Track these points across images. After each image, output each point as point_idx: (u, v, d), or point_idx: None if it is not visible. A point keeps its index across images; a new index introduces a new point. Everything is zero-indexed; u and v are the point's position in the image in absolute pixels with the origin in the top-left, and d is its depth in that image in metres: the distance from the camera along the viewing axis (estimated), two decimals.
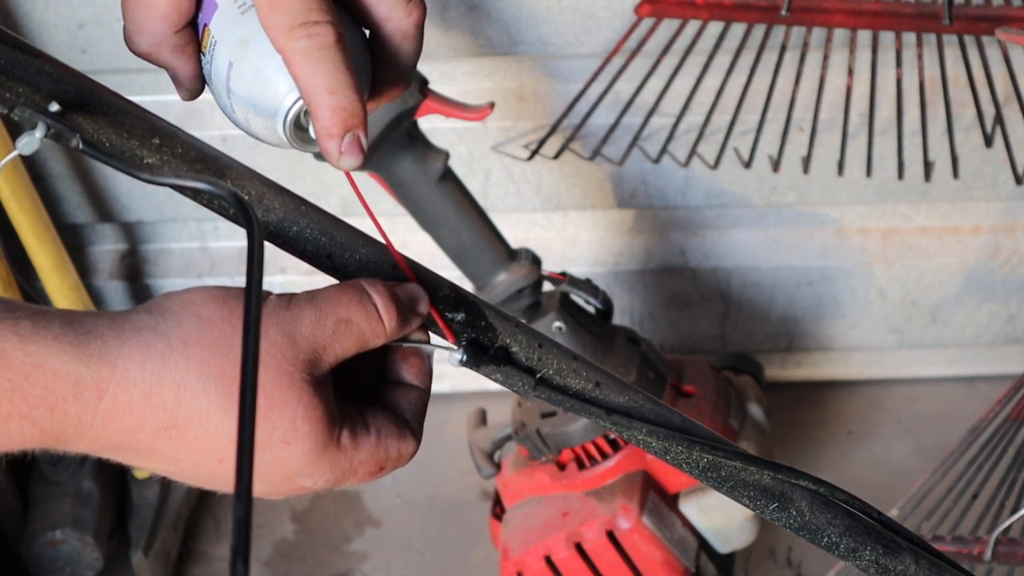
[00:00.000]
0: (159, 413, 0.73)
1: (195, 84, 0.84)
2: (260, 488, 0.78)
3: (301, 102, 0.79)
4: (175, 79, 0.84)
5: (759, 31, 1.79)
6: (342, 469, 0.78)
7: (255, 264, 0.69)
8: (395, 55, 0.83)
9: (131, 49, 0.83)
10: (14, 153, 0.76)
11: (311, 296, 0.78)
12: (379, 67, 0.83)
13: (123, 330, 0.73)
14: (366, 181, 1.99)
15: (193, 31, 0.82)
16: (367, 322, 0.79)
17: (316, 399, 0.76)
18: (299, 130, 0.80)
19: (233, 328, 0.75)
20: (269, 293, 0.78)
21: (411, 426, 0.82)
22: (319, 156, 1.73)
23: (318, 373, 0.77)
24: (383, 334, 0.80)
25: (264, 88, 0.79)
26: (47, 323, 0.72)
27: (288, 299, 0.78)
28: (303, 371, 0.76)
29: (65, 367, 0.71)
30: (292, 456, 0.76)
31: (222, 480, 0.77)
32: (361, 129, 0.78)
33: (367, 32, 0.83)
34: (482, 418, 1.92)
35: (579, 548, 1.75)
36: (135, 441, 0.74)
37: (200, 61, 0.83)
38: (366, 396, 0.83)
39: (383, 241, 0.85)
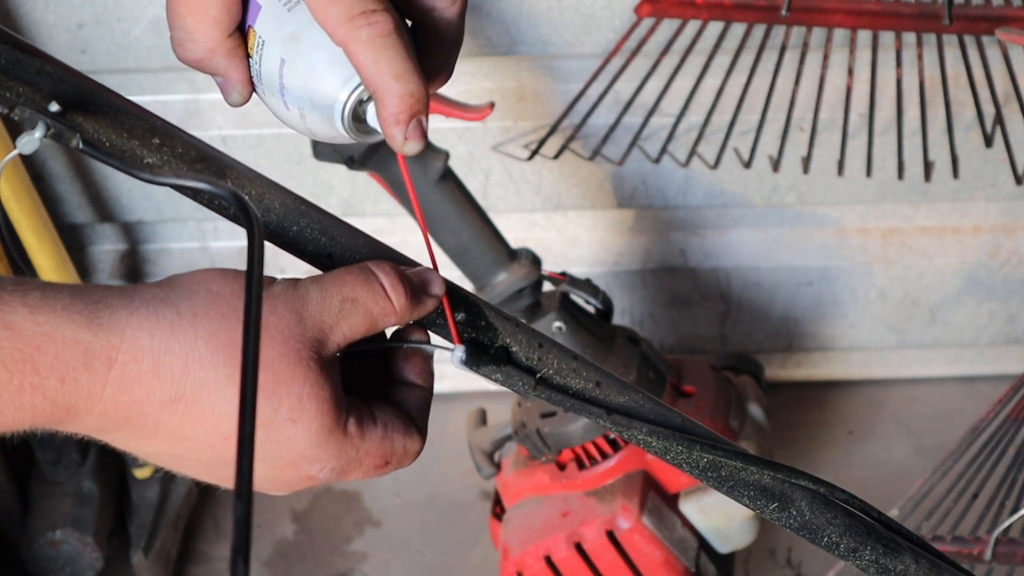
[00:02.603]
0: (167, 383, 0.73)
1: (247, 88, 0.83)
2: (264, 473, 0.78)
3: (358, 92, 0.79)
4: (226, 85, 0.83)
5: (759, 31, 1.79)
6: (348, 457, 0.78)
7: (255, 264, 0.69)
8: (439, 44, 0.83)
9: (181, 58, 0.82)
10: (14, 153, 0.76)
11: (317, 278, 0.79)
12: (424, 57, 0.82)
13: (132, 300, 0.74)
14: (366, 182, 1.99)
15: (241, 34, 0.82)
16: (373, 300, 0.79)
17: (323, 378, 0.76)
18: (355, 120, 0.80)
19: (242, 302, 0.74)
20: (274, 279, 0.78)
21: (417, 424, 0.82)
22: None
23: (325, 354, 0.77)
24: (392, 312, 0.80)
25: (319, 82, 0.79)
26: (56, 294, 0.72)
27: (294, 282, 0.78)
28: (310, 349, 0.76)
29: (75, 336, 0.71)
30: (298, 436, 0.76)
31: (227, 463, 0.76)
32: (425, 114, 0.79)
33: (409, 23, 0.83)
34: (482, 418, 1.92)
35: (579, 548, 1.75)
36: (142, 415, 0.74)
37: (248, 64, 0.82)
38: (371, 395, 0.82)
39: (384, 241, 0.85)
